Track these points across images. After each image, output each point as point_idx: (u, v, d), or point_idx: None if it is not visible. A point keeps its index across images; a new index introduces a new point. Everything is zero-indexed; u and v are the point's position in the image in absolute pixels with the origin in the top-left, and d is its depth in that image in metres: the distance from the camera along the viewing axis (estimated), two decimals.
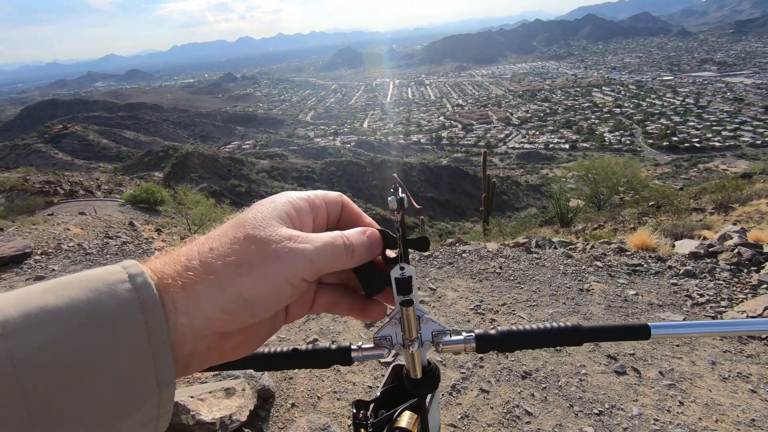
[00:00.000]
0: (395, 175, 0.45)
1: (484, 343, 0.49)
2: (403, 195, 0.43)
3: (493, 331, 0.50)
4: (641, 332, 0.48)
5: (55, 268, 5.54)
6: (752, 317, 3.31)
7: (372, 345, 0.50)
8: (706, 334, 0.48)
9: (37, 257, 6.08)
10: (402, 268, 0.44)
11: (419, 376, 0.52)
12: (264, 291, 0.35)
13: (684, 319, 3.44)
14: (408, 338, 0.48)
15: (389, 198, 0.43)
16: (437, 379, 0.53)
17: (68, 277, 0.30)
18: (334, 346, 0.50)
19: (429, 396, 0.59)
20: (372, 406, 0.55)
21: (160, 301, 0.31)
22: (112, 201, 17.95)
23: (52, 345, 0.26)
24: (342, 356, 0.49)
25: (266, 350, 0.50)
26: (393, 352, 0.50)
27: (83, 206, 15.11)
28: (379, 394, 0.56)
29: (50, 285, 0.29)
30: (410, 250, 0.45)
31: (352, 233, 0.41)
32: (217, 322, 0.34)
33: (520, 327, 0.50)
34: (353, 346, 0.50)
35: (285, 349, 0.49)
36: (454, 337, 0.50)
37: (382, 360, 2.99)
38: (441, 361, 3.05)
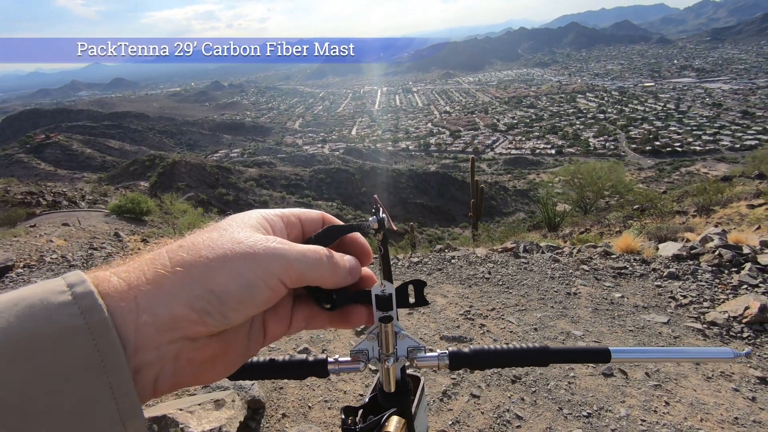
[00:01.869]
0: (376, 196, 0.47)
1: (457, 361, 0.52)
2: (384, 215, 0.44)
3: (466, 350, 0.52)
4: (603, 355, 0.51)
5: (38, 281, 5.43)
6: (733, 317, 3.40)
7: (349, 358, 0.51)
8: (659, 360, 0.53)
9: (20, 270, 5.95)
10: (383, 285, 0.45)
11: (393, 390, 0.54)
12: (236, 286, 0.33)
13: (668, 321, 3.51)
14: (384, 353, 0.50)
15: (370, 218, 0.44)
16: (409, 394, 0.55)
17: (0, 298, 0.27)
18: (311, 358, 0.50)
19: (416, 400, 0.61)
20: (361, 412, 0.56)
21: (112, 323, 0.28)
22: (97, 211, 17.65)
23: None
24: (318, 368, 0.50)
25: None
26: (369, 365, 0.51)
27: (66, 217, 14.83)
28: (367, 400, 0.57)
29: None
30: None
31: (336, 254, 0.41)
32: (183, 320, 0.31)
33: (492, 346, 0.53)
34: (330, 359, 0.50)
35: (262, 359, 0.49)
36: (428, 354, 0.52)
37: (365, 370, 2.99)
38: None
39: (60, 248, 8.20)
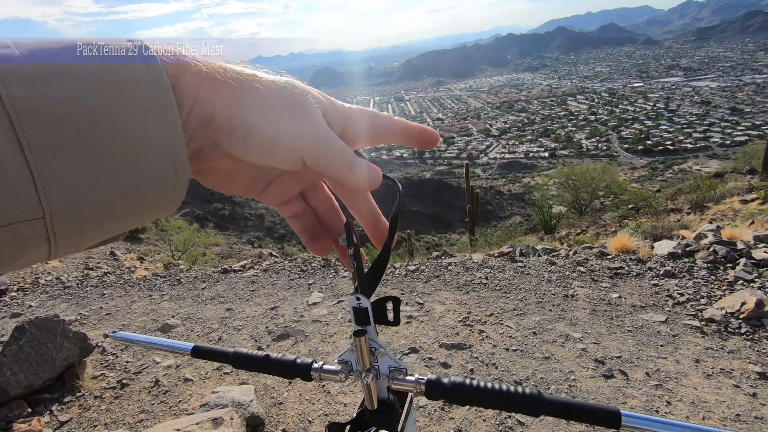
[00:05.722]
0: (347, 218, 0.46)
1: (434, 391, 0.49)
2: (352, 233, 0.44)
3: (445, 380, 0.49)
4: (612, 419, 0.43)
5: (33, 304, 5.37)
6: (731, 313, 3.40)
7: (333, 367, 0.52)
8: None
9: (13, 294, 5.88)
10: (358, 299, 0.45)
11: (375, 407, 0.53)
12: (265, 137, 0.35)
13: (666, 319, 3.51)
14: (361, 368, 0.49)
15: (340, 239, 0.44)
16: (393, 413, 0.54)
17: (93, 42, 0.30)
18: (299, 360, 0.52)
19: (404, 415, 0.60)
20: (348, 428, 0.55)
21: (167, 76, 0.31)
22: None
23: (59, 100, 0.26)
24: (302, 371, 0.52)
25: (244, 350, 0.56)
26: (350, 378, 0.51)
27: None
28: (355, 415, 0.57)
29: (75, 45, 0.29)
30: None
31: (361, 159, 0.40)
32: (217, 126, 0.34)
33: (475, 381, 0.48)
34: (315, 365, 0.52)
35: (259, 353, 0.55)
36: (407, 378, 0.51)
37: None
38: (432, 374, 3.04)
39: (55, 270, 8.12)
